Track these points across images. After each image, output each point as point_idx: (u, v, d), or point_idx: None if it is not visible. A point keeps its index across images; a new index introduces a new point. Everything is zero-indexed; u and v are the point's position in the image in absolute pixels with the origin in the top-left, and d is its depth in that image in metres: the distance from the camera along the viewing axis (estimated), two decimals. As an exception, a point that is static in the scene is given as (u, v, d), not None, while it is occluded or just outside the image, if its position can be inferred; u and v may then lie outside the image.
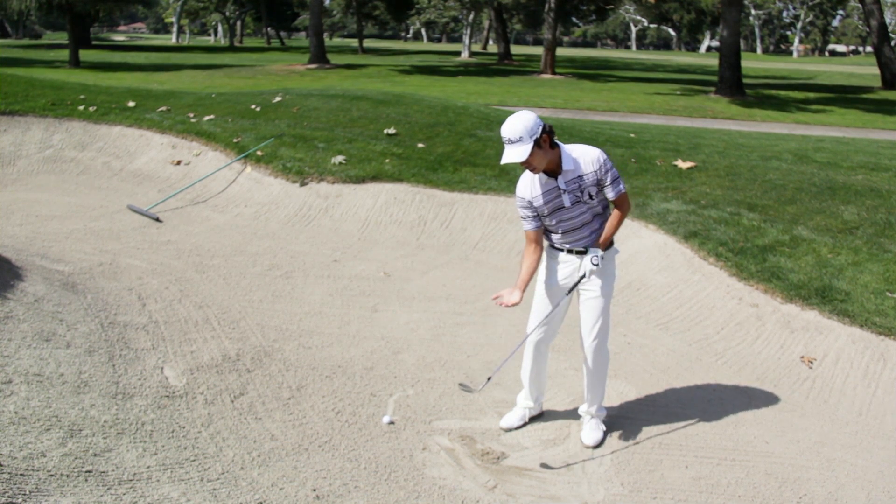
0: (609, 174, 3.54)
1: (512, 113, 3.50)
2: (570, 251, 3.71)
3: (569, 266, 3.74)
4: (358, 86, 20.11)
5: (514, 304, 3.60)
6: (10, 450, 2.99)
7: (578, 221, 3.62)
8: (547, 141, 3.42)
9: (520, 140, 3.35)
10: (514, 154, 3.37)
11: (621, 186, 3.59)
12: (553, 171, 3.53)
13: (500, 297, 3.64)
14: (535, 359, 3.92)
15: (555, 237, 3.74)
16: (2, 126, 9.63)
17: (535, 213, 3.64)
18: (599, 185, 3.55)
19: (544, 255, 3.84)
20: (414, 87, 22.19)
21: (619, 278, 4.02)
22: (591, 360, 3.80)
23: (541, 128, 3.39)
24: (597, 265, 3.62)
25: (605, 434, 3.98)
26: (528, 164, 3.44)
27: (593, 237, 3.67)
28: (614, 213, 3.68)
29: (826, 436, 4.18)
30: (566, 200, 3.57)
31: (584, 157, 3.53)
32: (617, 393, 4.47)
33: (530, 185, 3.61)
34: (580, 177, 3.52)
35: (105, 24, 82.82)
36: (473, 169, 8.39)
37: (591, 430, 3.95)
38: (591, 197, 3.57)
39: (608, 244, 3.72)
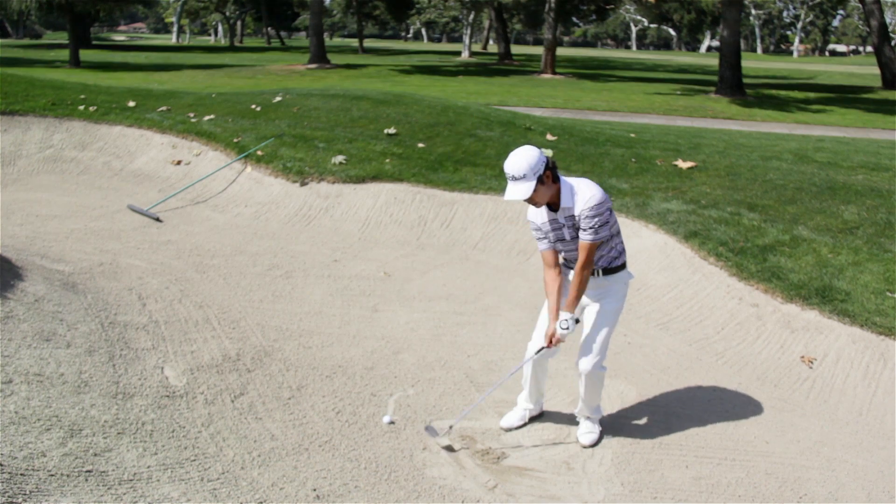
0: (589, 220, 3.46)
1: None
2: None
3: None
4: (358, 86, 20.12)
5: (558, 339, 3.63)
6: (10, 450, 2.99)
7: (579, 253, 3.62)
8: (550, 177, 3.43)
9: (523, 177, 3.38)
10: (518, 192, 3.40)
11: (597, 235, 3.49)
12: (554, 204, 3.55)
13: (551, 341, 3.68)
14: (535, 372, 3.94)
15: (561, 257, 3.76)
16: (2, 126, 9.63)
17: (547, 233, 3.64)
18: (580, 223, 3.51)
19: None
20: (414, 87, 22.19)
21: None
22: (585, 377, 3.79)
23: (544, 164, 3.41)
24: (566, 330, 3.60)
25: (602, 434, 3.98)
26: (531, 201, 3.46)
27: (599, 263, 3.65)
28: (577, 268, 3.56)
29: (826, 436, 4.18)
30: (566, 234, 3.59)
31: (579, 196, 3.48)
32: (617, 393, 4.47)
33: (538, 211, 3.63)
34: (573, 215, 3.52)
35: (105, 24, 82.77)
36: (474, 169, 8.39)
37: (586, 430, 3.96)
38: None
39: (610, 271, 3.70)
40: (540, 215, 3.63)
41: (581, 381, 3.82)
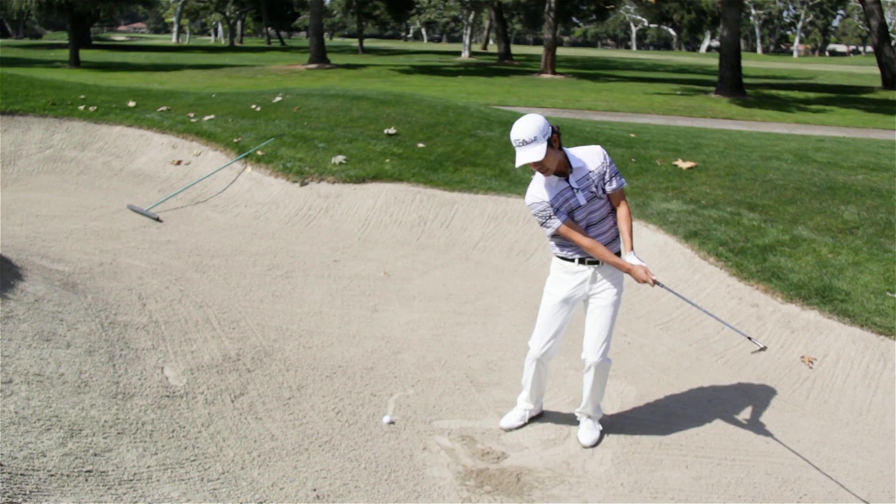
0: (612, 167, 3.62)
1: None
2: (581, 261, 3.67)
3: (580, 276, 3.70)
4: (358, 86, 20.11)
5: (646, 270, 3.54)
6: (10, 450, 2.99)
7: (597, 216, 3.62)
8: (557, 141, 3.45)
9: (534, 140, 3.35)
10: (530, 154, 3.36)
11: (623, 179, 3.68)
12: (563, 171, 3.54)
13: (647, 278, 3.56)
14: (536, 372, 3.93)
15: (567, 250, 3.70)
16: (2, 126, 9.63)
17: (558, 208, 3.57)
18: (603, 178, 3.59)
19: (552, 267, 3.81)
20: (414, 87, 22.19)
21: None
22: (595, 369, 3.79)
23: (551, 128, 3.43)
24: (643, 262, 3.62)
25: (602, 433, 3.98)
26: (541, 165, 3.44)
27: (613, 231, 3.68)
28: (623, 215, 3.66)
29: (826, 436, 4.18)
30: (581, 198, 3.57)
31: (588, 154, 3.61)
32: (617, 393, 4.47)
33: (544, 189, 3.57)
34: (590, 172, 3.58)
35: (105, 24, 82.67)
36: (473, 169, 8.39)
37: (587, 429, 3.96)
38: (603, 191, 3.60)
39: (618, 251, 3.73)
40: (549, 189, 3.56)
41: (589, 375, 3.81)
